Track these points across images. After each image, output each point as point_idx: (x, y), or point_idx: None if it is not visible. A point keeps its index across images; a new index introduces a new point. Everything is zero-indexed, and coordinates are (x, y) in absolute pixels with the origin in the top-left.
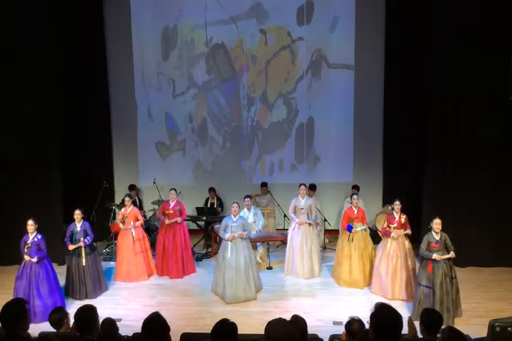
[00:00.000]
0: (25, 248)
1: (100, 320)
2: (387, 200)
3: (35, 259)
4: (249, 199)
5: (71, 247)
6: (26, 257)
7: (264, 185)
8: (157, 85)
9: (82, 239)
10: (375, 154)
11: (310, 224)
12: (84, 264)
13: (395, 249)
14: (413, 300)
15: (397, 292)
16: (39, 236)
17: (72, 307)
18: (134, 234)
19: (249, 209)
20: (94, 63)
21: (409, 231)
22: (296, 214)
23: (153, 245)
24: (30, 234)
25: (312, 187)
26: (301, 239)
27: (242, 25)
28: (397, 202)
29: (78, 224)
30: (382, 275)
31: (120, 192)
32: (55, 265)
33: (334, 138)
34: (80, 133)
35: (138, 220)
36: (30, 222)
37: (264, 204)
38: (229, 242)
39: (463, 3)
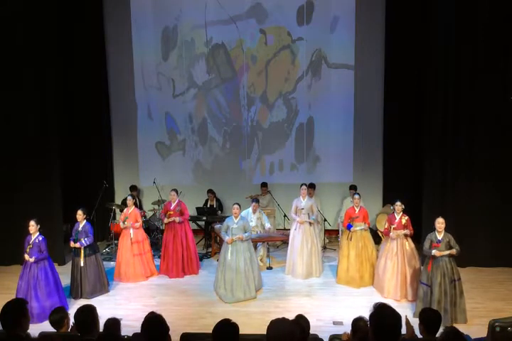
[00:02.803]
0: (27, 248)
1: (101, 320)
2: (387, 200)
3: (32, 259)
4: (257, 204)
5: (72, 245)
6: (26, 256)
7: (264, 185)
8: (157, 85)
9: (82, 239)
10: (375, 154)
11: (310, 223)
12: (82, 265)
13: (393, 249)
14: (412, 301)
15: (392, 291)
16: (40, 238)
17: (74, 308)
18: (132, 236)
19: (254, 213)
20: (95, 63)
21: (407, 232)
22: (297, 215)
23: (153, 245)
24: (32, 235)
25: (312, 186)
26: (301, 240)
27: (242, 25)
28: (397, 203)
29: (80, 225)
30: (380, 274)
31: (120, 192)
32: (55, 265)
33: (334, 138)
34: (80, 133)
35: (137, 221)
36: (31, 223)
37: (264, 204)
38: (229, 244)
39: (463, 3)
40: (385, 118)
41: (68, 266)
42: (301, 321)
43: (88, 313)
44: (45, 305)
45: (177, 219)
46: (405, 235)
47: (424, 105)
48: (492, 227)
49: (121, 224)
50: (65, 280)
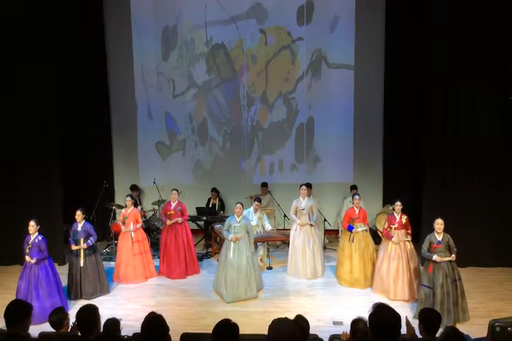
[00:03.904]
0: (27, 248)
1: (101, 320)
2: (387, 200)
3: (33, 260)
4: (259, 203)
5: (73, 247)
6: (27, 258)
7: (264, 185)
8: (157, 85)
9: (82, 239)
10: (375, 154)
11: (311, 225)
12: (81, 265)
13: (396, 250)
14: (417, 300)
15: (399, 292)
16: (40, 238)
17: (75, 308)
18: (133, 236)
19: (256, 212)
20: (95, 63)
21: (409, 238)
22: (297, 215)
23: (153, 245)
24: (31, 235)
25: (308, 186)
26: (303, 240)
27: (242, 25)
28: (398, 203)
29: (79, 225)
30: (383, 276)
31: (120, 192)
32: (55, 265)
33: (334, 138)
34: (80, 133)
35: (138, 222)
36: (32, 223)
37: (264, 204)
38: (231, 242)
39: (463, 3)
40: (385, 118)
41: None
42: (301, 321)
43: (90, 313)
44: (45, 305)
45: (179, 220)
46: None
47: (424, 105)
48: (492, 227)
49: (122, 228)
50: (65, 280)
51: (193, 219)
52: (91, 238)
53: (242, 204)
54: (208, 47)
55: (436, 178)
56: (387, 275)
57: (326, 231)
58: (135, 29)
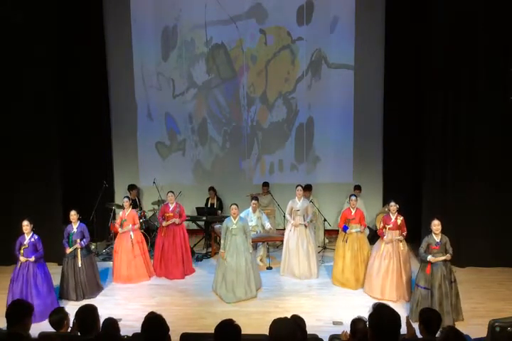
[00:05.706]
0: (21, 249)
1: (101, 320)
2: (388, 200)
3: (32, 258)
4: (257, 202)
5: (68, 250)
6: (22, 258)
7: (265, 184)
8: (157, 85)
9: (78, 240)
10: (375, 154)
11: (305, 225)
12: (80, 266)
13: (388, 250)
14: (410, 301)
15: (388, 292)
16: (36, 237)
17: (66, 308)
18: (132, 237)
19: (254, 211)
20: (95, 63)
21: (401, 238)
22: (292, 216)
23: (152, 246)
24: (26, 235)
25: (308, 188)
26: (296, 240)
27: (242, 25)
28: (392, 203)
29: (74, 226)
30: (373, 274)
31: (120, 193)
32: (55, 265)
33: (334, 138)
34: (80, 133)
35: (135, 223)
36: (25, 223)
37: (265, 204)
38: (230, 247)
39: (463, 3)
40: (385, 118)
41: None
42: (298, 321)
43: (89, 312)
44: (46, 302)
45: (177, 220)
46: (399, 240)
47: (424, 105)
48: (492, 227)
49: (119, 229)
50: (55, 281)
51: (192, 219)
52: (84, 240)
53: (236, 205)
54: (208, 47)
55: (436, 178)
56: (376, 275)
57: (326, 232)
58: (135, 29)
